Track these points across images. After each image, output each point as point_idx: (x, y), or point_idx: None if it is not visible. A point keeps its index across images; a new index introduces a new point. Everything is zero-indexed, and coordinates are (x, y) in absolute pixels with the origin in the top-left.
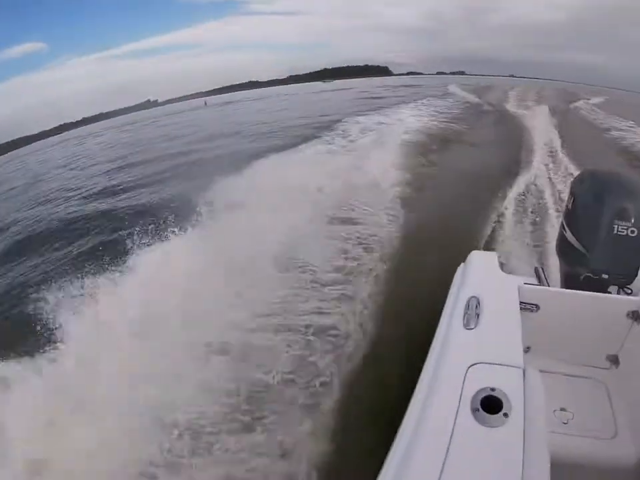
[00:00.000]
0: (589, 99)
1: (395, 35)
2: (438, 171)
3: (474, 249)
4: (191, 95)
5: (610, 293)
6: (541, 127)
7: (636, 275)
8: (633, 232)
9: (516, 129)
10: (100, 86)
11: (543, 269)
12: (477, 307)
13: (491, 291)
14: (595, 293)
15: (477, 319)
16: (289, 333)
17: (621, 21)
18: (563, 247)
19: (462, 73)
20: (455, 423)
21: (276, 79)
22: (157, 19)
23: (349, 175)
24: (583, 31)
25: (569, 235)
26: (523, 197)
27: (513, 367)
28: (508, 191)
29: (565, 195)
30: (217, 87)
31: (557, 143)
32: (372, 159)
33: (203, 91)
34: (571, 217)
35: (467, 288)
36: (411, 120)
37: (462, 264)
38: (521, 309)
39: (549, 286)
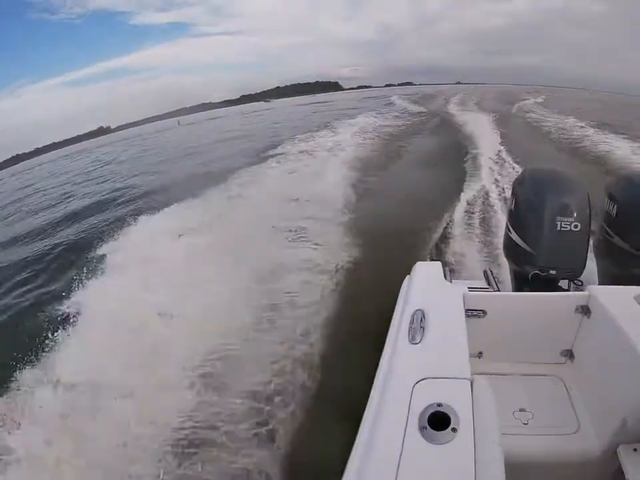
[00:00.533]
0: (527, 99)
1: (345, 50)
2: (382, 185)
3: (424, 259)
4: (142, 120)
5: (561, 287)
6: (482, 131)
7: (584, 267)
8: (576, 226)
9: (457, 134)
10: (52, 115)
11: (491, 271)
12: (421, 320)
13: (435, 302)
14: (541, 293)
15: (422, 332)
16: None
17: (554, 24)
18: (510, 248)
19: (410, 83)
20: (403, 443)
21: (228, 100)
22: (107, 45)
23: (287, 194)
24: (522, 35)
25: (514, 235)
26: (470, 204)
27: (460, 378)
28: (454, 199)
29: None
30: (170, 110)
31: (499, 145)
32: (314, 178)
33: (155, 115)
34: (515, 218)
35: (412, 301)
36: (350, 137)
37: (407, 276)
38: (468, 316)
39: (498, 288)
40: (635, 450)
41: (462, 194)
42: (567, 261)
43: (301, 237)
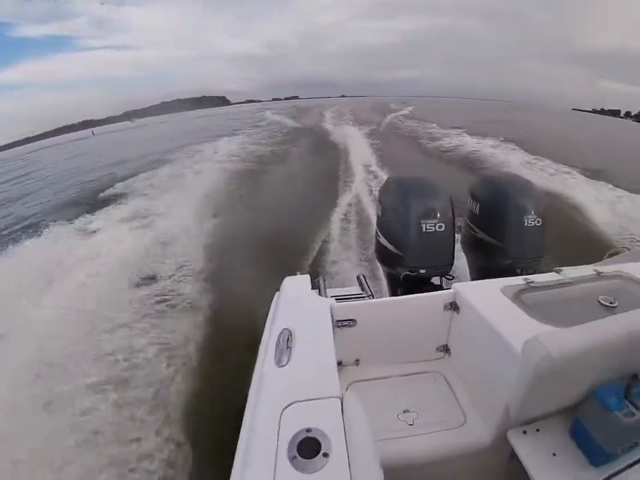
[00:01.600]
0: (398, 110)
1: (232, 65)
2: (253, 203)
3: (301, 272)
4: (16, 141)
5: (433, 283)
6: (353, 142)
7: (452, 263)
8: (440, 227)
9: (329, 146)
10: None
11: (364, 276)
12: (288, 339)
13: (302, 318)
14: (409, 296)
15: (289, 353)
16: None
17: (436, 40)
18: (381, 253)
19: (296, 97)
20: (274, 476)
21: (112, 116)
22: None
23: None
24: (405, 51)
25: (383, 240)
26: (345, 215)
27: (329, 398)
28: (329, 212)
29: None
30: (48, 130)
31: (370, 155)
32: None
33: (31, 135)
34: (382, 224)
35: (278, 320)
36: (220, 156)
37: (277, 293)
38: (338, 326)
39: (371, 292)
40: (525, 432)
41: (336, 208)
42: (434, 260)
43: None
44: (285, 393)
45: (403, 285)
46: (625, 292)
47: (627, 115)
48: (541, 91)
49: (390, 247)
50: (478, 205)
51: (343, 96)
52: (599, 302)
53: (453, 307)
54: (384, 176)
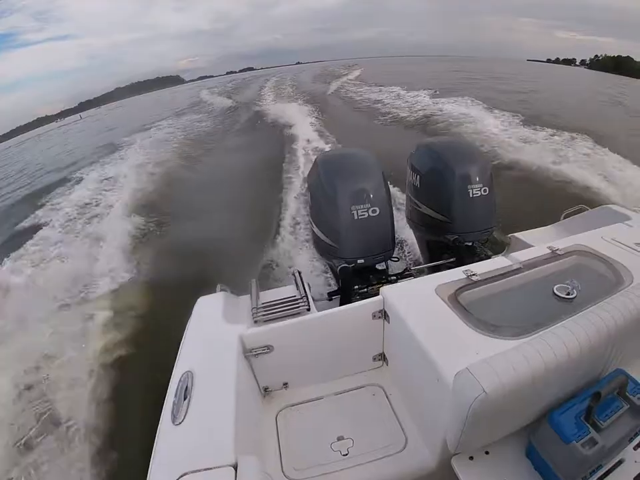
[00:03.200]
0: (342, 76)
1: (181, 42)
2: (177, 208)
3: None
4: None
5: (377, 269)
6: (297, 125)
7: (394, 246)
8: (374, 211)
9: (271, 133)
10: None
11: (299, 272)
12: (187, 388)
13: (207, 356)
14: (328, 311)
15: (187, 406)
16: None
17: None
18: (317, 243)
19: (251, 68)
20: None
21: (67, 109)
22: None
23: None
24: (358, 11)
25: (316, 230)
26: (288, 207)
27: (222, 467)
28: (273, 206)
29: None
30: (2, 133)
31: (316, 137)
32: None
33: None
34: (313, 212)
35: (183, 358)
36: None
37: (189, 319)
38: (254, 355)
39: (305, 290)
40: (472, 458)
41: (281, 203)
42: (372, 247)
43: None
44: (178, 459)
45: (342, 276)
46: (584, 273)
47: (582, 63)
48: (497, 44)
49: (323, 237)
50: (418, 177)
51: (299, 62)
52: (554, 293)
53: (383, 314)
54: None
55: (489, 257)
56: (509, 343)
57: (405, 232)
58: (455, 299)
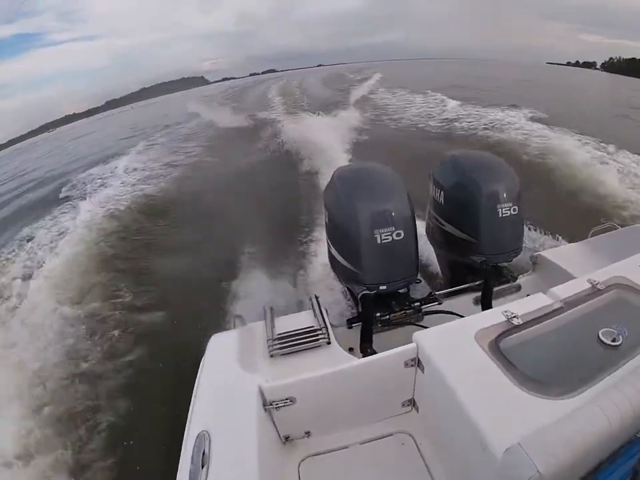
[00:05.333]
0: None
1: (206, 43)
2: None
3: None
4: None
5: (398, 293)
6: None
7: (417, 270)
8: (398, 235)
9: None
10: None
11: (317, 298)
12: (204, 453)
13: (223, 412)
14: (355, 363)
15: (205, 471)
16: None
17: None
18: (334, 266)
19: (273, 70)
20: None
21: (94, 108)
22: None
23: None
24: (380, 14)
25: (334, 252)
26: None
27: None
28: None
29: None
30: (33, 129)
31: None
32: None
33: (17, 136)
34: (331, 232)
35: (197, 414)
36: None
37: (202, 360)
38: (275, 407)
39: (323, 318)
40: None
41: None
42: (395, 273)
43: None
44: None
45: (363, 304)
46: (627, 311)
47: (602, 66)
48: (520, 47)
49: (342, 260)
50: (442, 193)
51: (320, 65)
52: (599, 339)
53: (416, 362)
54: None
55: (515, 279)
56: (557, 404)
57: (424, 247)
58: (497, 347)
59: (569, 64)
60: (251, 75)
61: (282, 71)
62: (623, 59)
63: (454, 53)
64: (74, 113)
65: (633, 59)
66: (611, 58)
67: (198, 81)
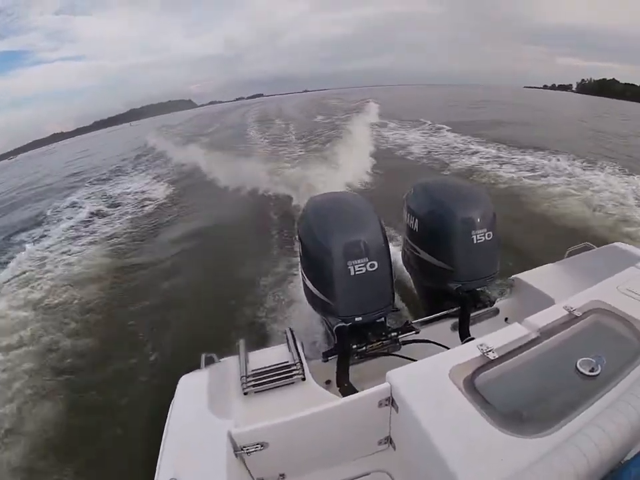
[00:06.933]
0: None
1: (195, 66)
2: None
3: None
4: None
5: (375, 322)
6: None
7: (393, 299)
8: (372, 265)
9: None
10: None
11: (292, 331)
12: None
13: (192, 460)
14: (326, 406)
15: None
16: None
17: (397, 28)
18: (309, 296)
19: (260, 95)
20: None
21: (82, 127)
22: None
23: None
24: (367, 40)
25: (309, 283)
26: None
27: None
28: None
29: None
30: (19, 146)
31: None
32: None
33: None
34: (305, 263)
35: (166, 461)
36: None
37: (172, 402)
38: (246, 452)
39: (297, 350)
40: None
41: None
42: (370, 304)
43: None
44: None
45: (338, 337)
46: (605, 338)
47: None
48: (499, 71)
49: (316, 292)
50: (416, 220)
51: (306, 90)
52: (577, 369)
53: (390, 402)
54: None
55: (492, 303)
56: (535, 443)
57: (403, 274)
58: (472, 384)
59: (545, 87)
60: (237, 99)
61: (269, 95)
62: (594, 80)
63: (441, 78)
64: (61, 132)
65: (603, 79)
66: (583, 80)
67: (185, 103)
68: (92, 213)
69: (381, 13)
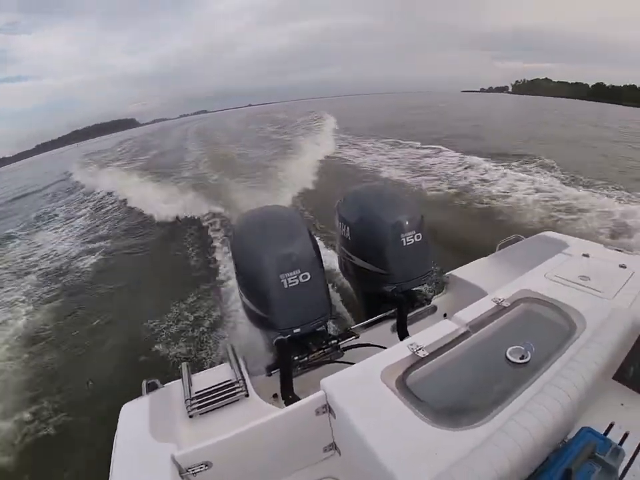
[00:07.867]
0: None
1: (135, 84)
2: None
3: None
4: None
5: (316, 331)
6: None
7: (330, 305)
8: (305, 277)
9: None
10: None
11: (233, 348)
12: None
13: None
14: (266, 419)
15: None
16: None
17: (328, 41)
18: (247, 312)
19: (204, 111)
20: None
21: (25, 151)
22: None
23: None
24: (312, 52)
25: (245, 300)
26: None
27: None
28: None
29: None
30: None
31: None
32: None
33: None
34: (240, 277)
35: None
36: None
37: (116, 434)
38: (192, 474)
39: (238, 364)
40: None
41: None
42: (307, 314)
43: None
44: None
45: (279, 350)
46: (534, 325)
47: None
48: (437, 78)
49: (253, 307)
50: (347, 228)
51: (250, 105)
52: (507, 358)
53: (327, 409)
54: None
55: (429, 301)
56: (469, 434)
57: (342, 280)
58: (403, 384)
59: (482, 90)
60: (180, 116)
61: (214, 111)
62: (527, 80)
63: (386, 86)
64: (3, 157)
65: (536, 79)
66: (517, 81)
67: (129, 123)
68: None
69: (324, 25)
